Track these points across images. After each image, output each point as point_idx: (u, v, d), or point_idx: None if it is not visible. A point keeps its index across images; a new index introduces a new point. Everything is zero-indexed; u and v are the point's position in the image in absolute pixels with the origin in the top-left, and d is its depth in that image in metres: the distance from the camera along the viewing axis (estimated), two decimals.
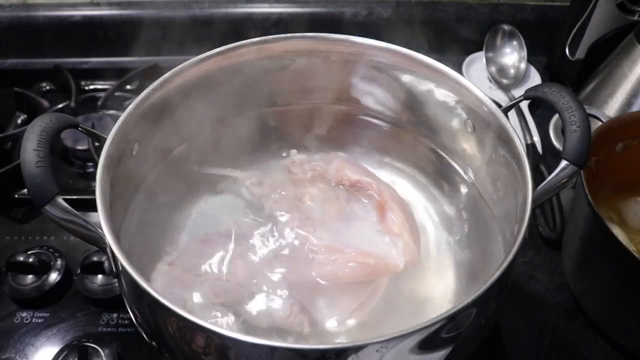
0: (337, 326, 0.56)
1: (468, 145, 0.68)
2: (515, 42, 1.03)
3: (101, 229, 0.50)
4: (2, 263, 0.73)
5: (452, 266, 0.64)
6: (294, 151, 0.70)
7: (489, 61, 1.02)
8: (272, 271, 0.59)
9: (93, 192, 0.52)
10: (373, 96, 0.73)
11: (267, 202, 0.65)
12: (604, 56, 0.89)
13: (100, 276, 0.72)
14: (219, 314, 0.56)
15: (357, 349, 0.43)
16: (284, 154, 0.71)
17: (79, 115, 0.92)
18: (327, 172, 0.67)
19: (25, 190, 0.78)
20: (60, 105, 0.94)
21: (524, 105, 0.95)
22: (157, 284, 0.58)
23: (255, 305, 0.57)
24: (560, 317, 0.72)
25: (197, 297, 0.57)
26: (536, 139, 0.90)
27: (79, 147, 0.87)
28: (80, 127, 0.56)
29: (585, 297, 0.71)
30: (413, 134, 0.72)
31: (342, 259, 0.57)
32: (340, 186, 0.66)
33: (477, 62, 1.04)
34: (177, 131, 0.69)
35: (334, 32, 0.68)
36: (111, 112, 0.93)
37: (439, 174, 0.71)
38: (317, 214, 0.63)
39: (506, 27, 1.03)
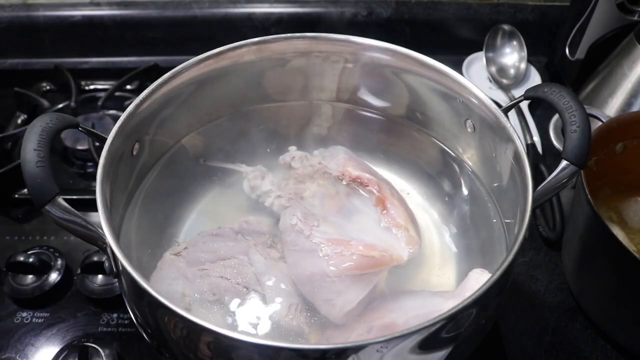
0: (342, 318, 0.56)
1: (468, 144, 0.68)
2: (515, 42, 1.03)
3: (101, 228, 0.50)
4: (3, 263, 0.73)
5: (453, 259, 0.64)
6: (292, 147, 0.70)
7: (489, 61, 1.02)
8: (276, 265, 0.59)
9: (93, 192, 0.52)
10: (373, 96, 0.73)
11: (269, 198, 0.66)
12: (604, 56, 0.89)
13: (100, 276, 0.72)
14: (216, 312, 0.56)
15: (357, 348, 0.43)
16: (284, 151, 0.71)
17: (79, 115, 0.92)
18: (327, 167, 0.67)
19: (26, 190, 0.79)
20: (60, 105, 0.94)
21: (524, 105, 0.95)
22: (160, 274, 0.58)
23: (254, 304, 0.57)
24: (560, 317, 0.72)
25: (195, 293, 0.57)
26: (536, 139, 0.90)
27: (79, 147, 0.87)
28: (81, 127, 0.56)
29: (585, 297, 0.71)
30: (413, 133, 0.72)
31: (347, 252, 0.57)
32: (342, 181, 0.66)
33: (477, 62, 1.04)
34: (177, 131, 0.69)
35: (334, 32, 0.69)
36: (111, 112, 0.93)
37: (439, 172, 0.71)
38: (318, 209, 0.63)
39: (506, 27, 1.03)
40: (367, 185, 0.65)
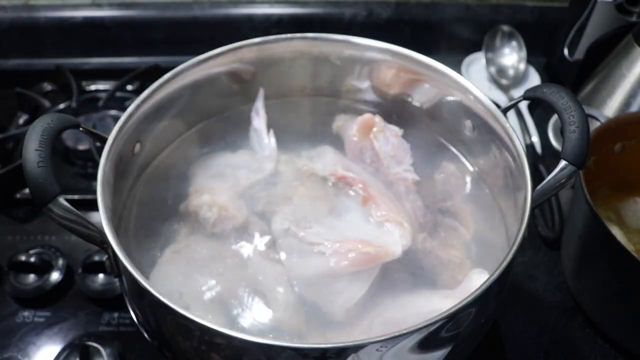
0: (344, 316, 0.56)
1: (467, 145, 0.68)
2: (514, 43, 1.03)
3: (102, 228, 0.50)
4: (4, 262, 0.73)
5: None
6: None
7: (488, 62, 1.02)
8: (276, 265, 0.60)
9: (94, 192, 0.52)
10: (373, 95, 0.73)
11: (259, 203, 0.66)
12: (603, 57, 0.89)
13: (101, 275, 0.72)
14: (216, 311, 0.57)
15: (357, 348, 0.44)
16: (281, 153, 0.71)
17: (80, 115, 0.92)
18: (314, 169, 0.67)
19: (27, 190, 0.79)
20: (61, 106, 0.94)
21: (523, 105, 0.95)
22: (160, 271, 0.58)
23: (254, 303, 0.58)
24: (559, 316, 0.72)
25: (195, 291, 0.57)
26: (535, 139, 0.91)
27: (80, 148, 0.87)
28: (82, 128, 0.56)
29: (583, 297, 0.71)
30: (413, 133, 0.72)
31: (344, 249, 0.57)
32: (329, 182, 0.66)
33: (476, 63, 1.04)
34: (177, 130, 0.70)
35: (334, 33, 0.69)
36: (112, 112, 0.93)
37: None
38: (308, 211, 0.63)
39: (505, 27, 1.03)
40: (354, 185, 0.65)
